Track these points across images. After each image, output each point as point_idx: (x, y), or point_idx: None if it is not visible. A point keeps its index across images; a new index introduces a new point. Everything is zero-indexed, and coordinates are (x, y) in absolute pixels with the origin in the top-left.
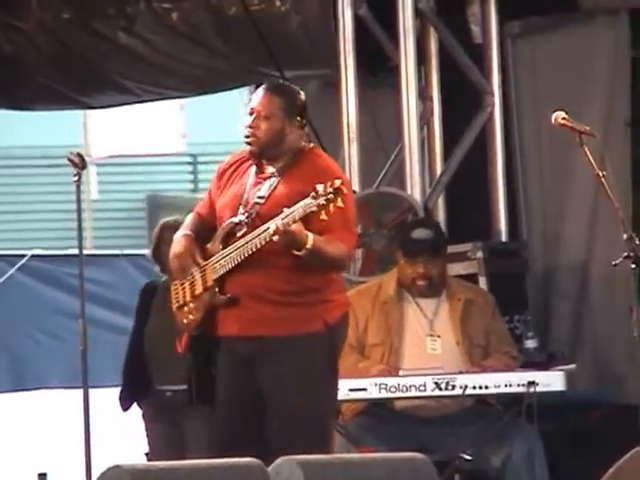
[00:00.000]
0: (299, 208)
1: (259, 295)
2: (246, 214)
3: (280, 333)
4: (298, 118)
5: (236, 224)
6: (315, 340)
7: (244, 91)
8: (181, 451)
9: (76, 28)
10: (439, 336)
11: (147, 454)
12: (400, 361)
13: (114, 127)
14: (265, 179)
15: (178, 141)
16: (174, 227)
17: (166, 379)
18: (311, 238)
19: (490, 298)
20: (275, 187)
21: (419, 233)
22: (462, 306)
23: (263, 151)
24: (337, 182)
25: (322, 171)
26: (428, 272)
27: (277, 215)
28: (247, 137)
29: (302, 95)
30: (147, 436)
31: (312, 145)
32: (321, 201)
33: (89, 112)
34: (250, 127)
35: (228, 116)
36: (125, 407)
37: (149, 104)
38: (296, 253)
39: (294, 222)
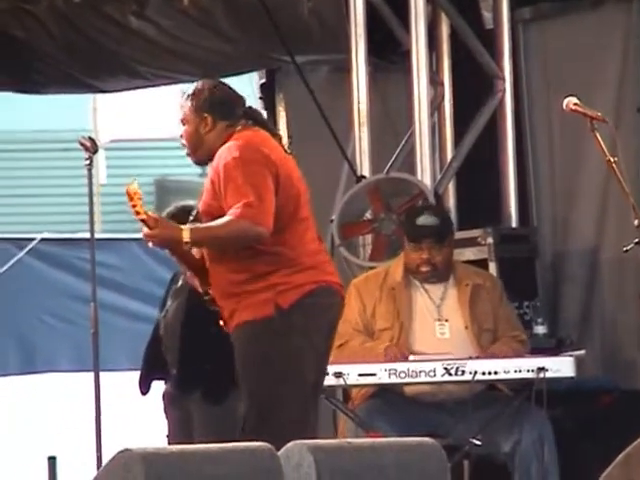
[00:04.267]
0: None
1: (220, 293)
2: (195, 212)
3: (237, 322)
4: (205, 115)
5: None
6: (265, 325)
7: (254, 76)
8: (190, 436)
9: (87, 12)
10: (447, 320)
11: (168, 436)
12: (409, 344)
13: (122, 111)
14: None
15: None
16: (183, 211)
17: (171, 364)
18: (187, 232)
19: (498, 282)
20: (207, 180)
21: (424, 219)
22: (470, 291)
23: (195, 156)
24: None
25: (218, 156)
26: (432, 258)
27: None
28: (183, 147)
29: (212, 89)
30: (166, 419)
31: (239, 128)
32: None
33: (98, 96)
34: (180, 136)
35: None
36: (144, 391)
37: (156, 89)
38: (183, 249)
39: (156, 223)
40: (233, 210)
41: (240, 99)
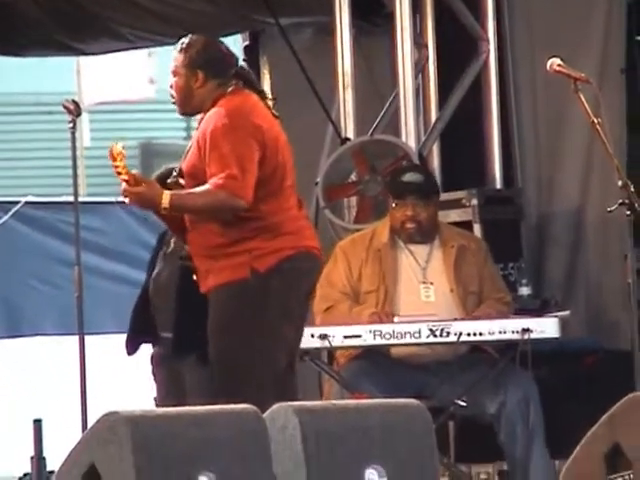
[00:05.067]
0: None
1: (197, 253)
2: (178, 169)
3: (212, 284)
4: (198, 70)
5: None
6: (239, 288)
7: (238, 38)
8: (181, 398)
9: None
10: (432, 283)
11: (155, 398)
12: (395, 308)
13: (106, 74)
14: None
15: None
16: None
17: (163, 326)
18: (167, 197)
19: (483, 244)
20: (193, 140)
21: (409, 177)
22: (455, 253)
23: (182, 108)
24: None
25: (206, 121)
26: (417, 215)
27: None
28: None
29: (206, 45)
30: (155, 381)
31: (230, 90)
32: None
33: (82, 59)
34: (170, 87)
35: None
36: (130, 351)
37: (144, 51)
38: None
39: (140, 182)
40: (215, 180)
41: (233, 58)
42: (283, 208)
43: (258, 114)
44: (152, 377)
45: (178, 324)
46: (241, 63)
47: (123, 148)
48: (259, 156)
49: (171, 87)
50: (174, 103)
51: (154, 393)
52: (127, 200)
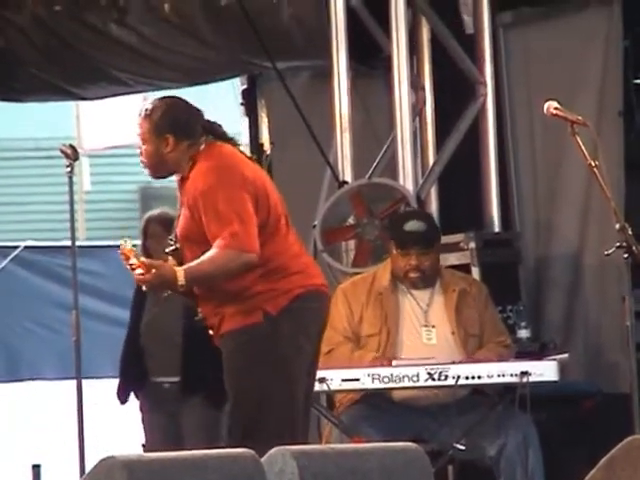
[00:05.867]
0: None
1: (209, 310)
2: (174, 236)
3: (225, 330)
4: (167, 135)
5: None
6: (254, 331)
7: (235, 82)
8: (178, 442)
9: (68, 20)
10: (434, 326)
11: (144, 445)
12: (396, 350)
13: (106, 119)
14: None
15: None
16: (159, 220)
17: (162, 371)
18: (181, 274)
19: (483, 288)
20: (180, 204)
21: (412, 225)
22: (456, 297)
23: (155, 173)
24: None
25: (192, 183)
26: (421, 264)
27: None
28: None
29: (171, 109)
30: (144, 428)
31: (203, 147)
32: (171, 249)
33: (81, 104)
34: (139, 154)
35: (217, 107)
36: (123, 400)
37: (144, 95)
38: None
39: (151, 267)
40: (219, 242)
41: (199, 114)
42: (284, 248)
43: (239, 163)
44: (142, 424)
45: (186, 365)
46: (231, 110)
47: (131, 245)
48: (253, 204)
49: (141, 154)
50: (146, 168)
51: (142, 440)
52: (144, 287)
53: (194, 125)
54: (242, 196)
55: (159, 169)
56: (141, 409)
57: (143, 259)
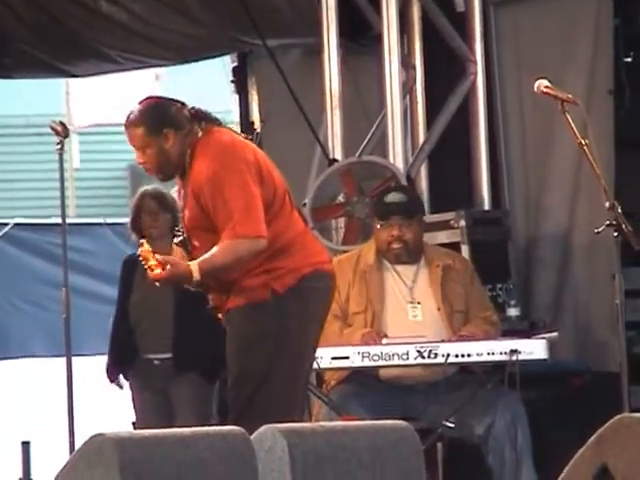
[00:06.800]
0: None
1: (215, 288)
2: (182, 228)
3: (231, 305)
4: (164, 130)
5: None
6: (261, 308)
7: (226, 59)
8: (169, 419)
9: None
10: (419, 303)
11: (134, 423)
12: (383, 328)
13: (96, 96)
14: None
15: None
16: (154, 195)
17: (152, 348)
18: (195, 268)
19: (468, 263)
20: (185, 195)
21: (392, 197)
22: (441, 272)
23: (164, 174)
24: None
25: (196, 170)
26: (402, 235)
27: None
28: (146, 171)
29: (157, 106)
30: (134, 405)
31: (200, 134)
32: (179, 239)
33: (71, 81)
34: (139, 163)
35: (208, 85)
36: (112, 378)
37: (134, 73)
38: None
39: (166, 263)
40: (227, 232)
41: (182, 104)
42: (290, 225)
43: (240, 146)
44: (132, 402)
45: (178, 342)
46: (222, 87)
47: (148, 247)
48: (257, 185)
49: (143, 163)
50: (152, 174)
51: (132, 417)
52: (158, 284)
53: (183, 114)
54: (246, 180)
55: (166, 168)
56: (131, 387)
57: (158, 257)
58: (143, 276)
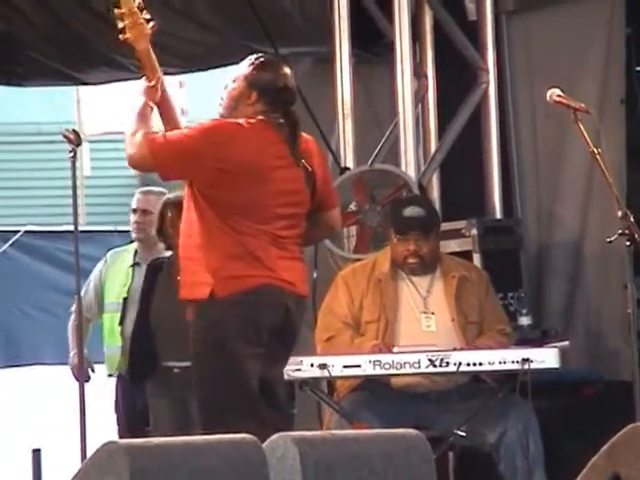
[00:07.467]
0: None
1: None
2: None
3: (182, 296)
4: (254, 91)
5: None
6: (200, 307)
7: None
8: (186, 428)
9: (70, 4)
10: (433, 313)
11: (148, 430)
12: (395, 338)
13: (107, 104)
14: None
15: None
16: (175, 204)
17: (172, 355)
18: (161, 80)
19: (484, 275)
20: None
21: (410, 211)
22: (456, 283)
23: (225, 114)
24: None
25: None
26: (419, 250)
27: None
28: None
29: (275, 75)
30: (151, 412)
31: (254, 120)
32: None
33: (82, 89)
34: (225, 88)
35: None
36: (136, 381)
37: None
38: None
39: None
40: (155, 136)
41: (291, 94)
42: (261, 237)
43: (244, 137)
44: (149, 409)
45: None
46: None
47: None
48: (221, 174)
49: (226, 90)
50: (220, 106)
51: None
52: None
53: (280, 100)
54: (204, 145)
55: (229, 112)
56: (149, 394)
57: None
58: (166, 281)
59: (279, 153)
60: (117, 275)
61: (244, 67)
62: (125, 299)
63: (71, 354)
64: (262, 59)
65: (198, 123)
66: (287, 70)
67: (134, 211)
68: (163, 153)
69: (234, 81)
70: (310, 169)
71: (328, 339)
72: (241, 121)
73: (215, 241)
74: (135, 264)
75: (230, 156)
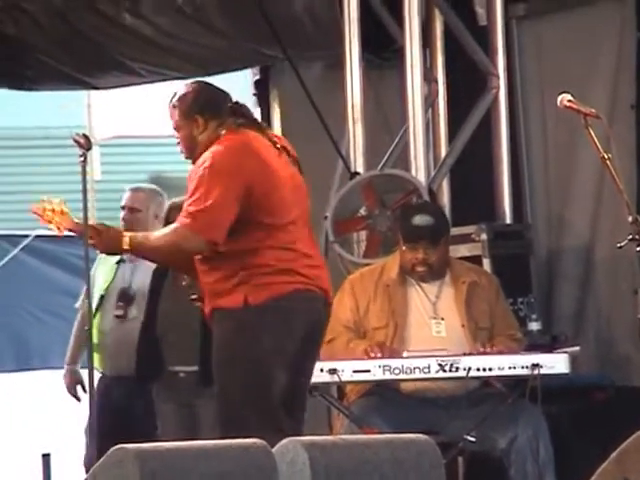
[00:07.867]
0: None
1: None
2: None
3: (208, 308)
4: (196, 116)
5: None
6: (231, 315)
7: (248, 73)
8: (193, 433)
9: (81, 9)
10: (443, 318)
11: (158, 435)
12: (405, 343)
13: (118, 108)
14: None
15: None
16: (180, 208)
17: (178, 360)
18: (127, 240)
19: (494, 280)
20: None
21: (420, 219)
22: (466, 289)
23: (192, 159)
24: None
25: (196, 163)
26: (428, 258)
27: None
28: (180, 152)
29: (196, 91)
30: (158, 417)
31: (224, 132)
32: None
33: (92, 93)
34: (177, 143)
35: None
36: (143, 384)
37: (155, 85)
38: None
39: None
40: (180, 219)
41: (225, 96)
42: (281, 244)
43: (246, 151)
44: (157, 414)
45: (205, 355)
46: (243, 101)
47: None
48: (242, 194)
49: (178, 144)
50: (186, 157)
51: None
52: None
53: (220, 105)
54: (227, 184)
55: (194, 153)
56: (155, 398)
57: (92, 224)
58: (172, 286)
59: (273, 151)
60: (104, 271)
61: (170, 115)
62: (102, 296)
63: (65, 369)
64: (175, 94)
65: (201, 171)
66: (190, 80)
67: (122, 208)
68: (203, 226)
69: (176, 130)
70: (292, 153)
71: (329, 341)
72: (225, 144)
73: (236, 260)
74: (121, 261)
75: (247, 167)
